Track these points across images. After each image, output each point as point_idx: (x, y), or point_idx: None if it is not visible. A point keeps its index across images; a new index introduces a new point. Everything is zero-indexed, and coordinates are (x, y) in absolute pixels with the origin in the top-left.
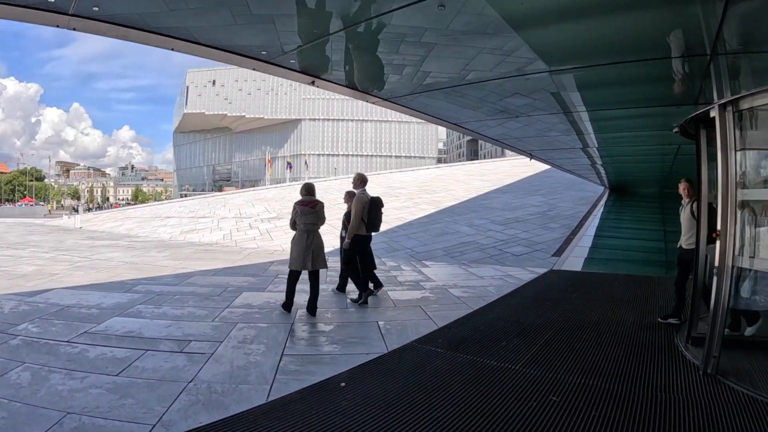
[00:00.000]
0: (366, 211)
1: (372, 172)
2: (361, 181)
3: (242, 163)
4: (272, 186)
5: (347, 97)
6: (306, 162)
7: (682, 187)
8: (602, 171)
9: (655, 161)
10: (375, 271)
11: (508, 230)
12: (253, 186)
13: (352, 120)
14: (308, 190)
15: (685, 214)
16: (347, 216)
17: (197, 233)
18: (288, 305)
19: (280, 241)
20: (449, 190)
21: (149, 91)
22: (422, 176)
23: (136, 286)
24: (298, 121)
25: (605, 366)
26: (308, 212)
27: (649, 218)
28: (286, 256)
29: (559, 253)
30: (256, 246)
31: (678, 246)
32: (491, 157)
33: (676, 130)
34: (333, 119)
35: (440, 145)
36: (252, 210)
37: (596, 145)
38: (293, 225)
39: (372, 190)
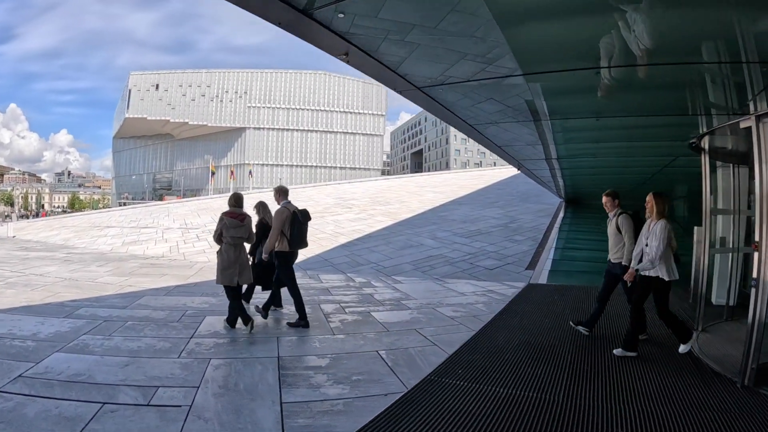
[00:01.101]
0: (288, 226)
1: (320, 182)
2: (281, 193)
3: (184, 171)
4: (217, 195)
5: (293, 107)
6: (250, 172)
7: (605, 201)
8: (562, 182)
9: (636, 173)
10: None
11: (474, 243)
12: (195, 195)
13: (297, 130)
14: (237, 200)
15: (611, 229)
16: (260, 227)
17: (140, 245)
18: (246, 319)
19: None
20: (403, 202)
21: (89, 94)
22: (373, 187)
23: (79, 309)
24: (242, 129)
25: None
26: (237, 225)
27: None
28: None
29: (532, 266)
30: (206, 260)
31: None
32: (436, 170)
33: (693, 141)
34: (278, 129)
35: (384, 157)
36: (198, 220)
37: (591, 155)
38: (219, 238)
39: (322, 201)
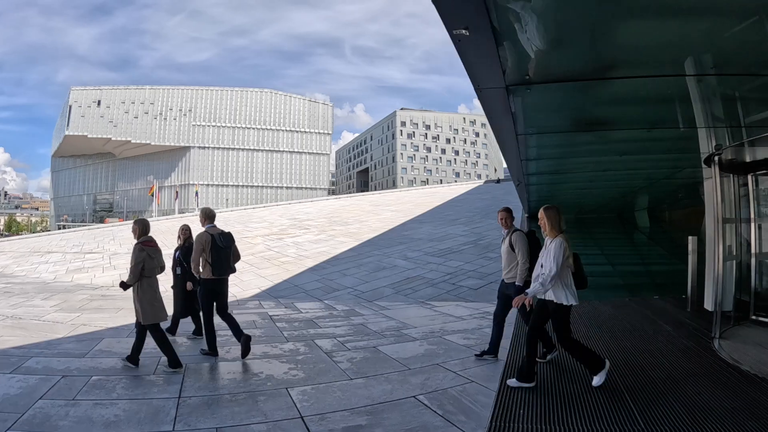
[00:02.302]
0: (209, 251)
1: (270, 203)
2: (207, 216)
3: (126, 192)
4: (163, 217)
5: (239, 125)
6: (196, 192)
7: (500, 217)
8: (528, 195)
9: (625, 188)
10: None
11: (449, 262)
12: (137, 217)
13: (243, 149)
14: (145, 227)
15: (504, 247)
16: (182, 251)
17: (87, 272)
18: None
19: None
20: (362, 222)
21: (28, 111)
22: (326, 207)
23: (28, 361)
24: (186, 148)
25: None
26: (156, 253)
27: (585, 243)
28: None
29: None
30: (163, 288)
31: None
32: (383, 188)
33: (717, 153)
34: (224, 148)
35: (330, 176)
36: None
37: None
38: (141, 272)
39: (277, 222)
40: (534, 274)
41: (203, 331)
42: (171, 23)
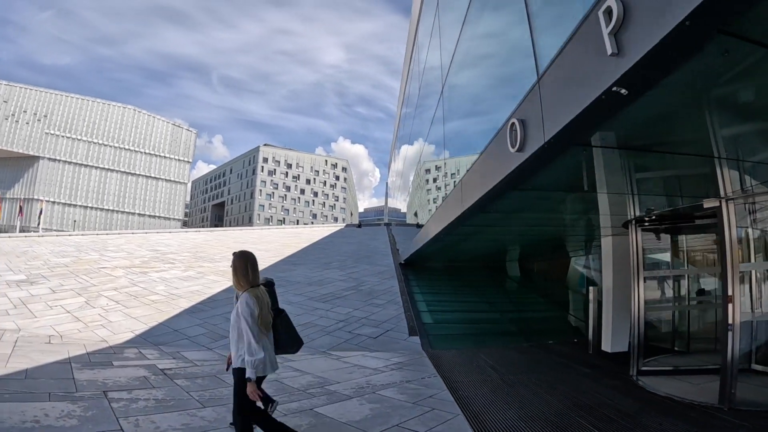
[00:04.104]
0: None
1: (126, 230)
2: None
3: None
4: (5, 235)
5: (95, 141)
6: (41, 210)
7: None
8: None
9: (511, 242)
10: None
11: (337, 308)
12: None
13: (97, 167)
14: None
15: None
16: None
17: None
18: None
19: (50, 319)
20: (230, 259)
21: None
22: (188, 240)
23: None
24: (35, 158)
25: None
26: None
27: (465, 290)
28: (75, 344)
29: (414, 332)
30: (15, 326)
31: None
32: (238, 224)
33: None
34: (76, 163)
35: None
36: None
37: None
38: None
39: (137, 253)
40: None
41: None
42: (39, 18)
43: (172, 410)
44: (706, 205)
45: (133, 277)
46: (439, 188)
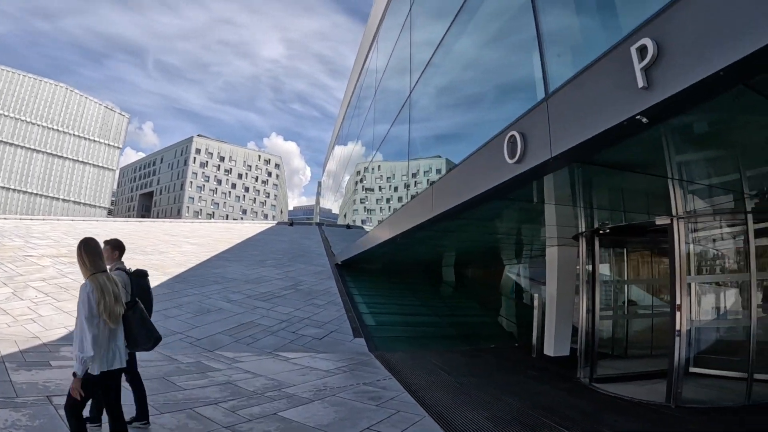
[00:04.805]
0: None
1: (51, 217)
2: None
3: None
4: None
5: (22, 118)
6: None
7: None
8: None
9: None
10: None
11: (278, 308)
12: None
13: (22, 147)
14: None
15: None
16: None
17: None
18: None
19: None
20: (162, 252)
21: None
22: (117, 231)
23: None
24: None
25: None
26: None
27: (404, 293)
28: (6, 341)
29: (358, 333)
30: None
31: None
32: (167, 215)
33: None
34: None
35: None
36: None
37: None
38: None
39: (65, 242)
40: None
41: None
42: None
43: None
44: (658, 222)
45: (62, 267)
46: (372, 190)
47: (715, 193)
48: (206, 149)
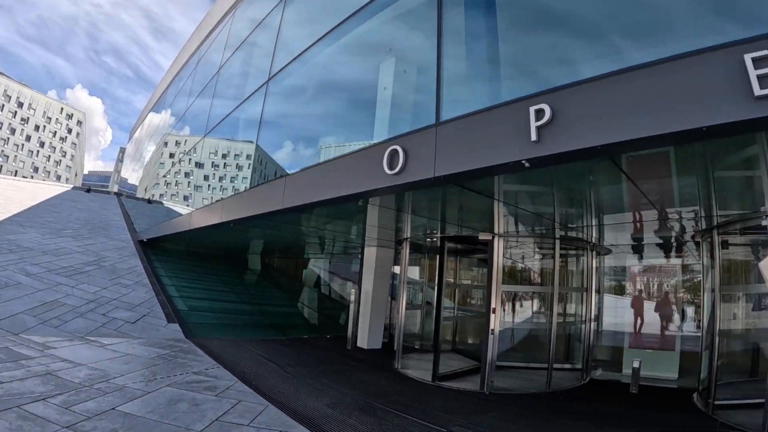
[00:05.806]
0: None
1: None
2: None
3: None
4: None
5: None
6: None
7: None
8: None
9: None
10: None
11: (83, 286)
12: None
13: None
14: None
15: None
16: None
17: None
18: None
19: None
20: None
21: None
22: None
23: None
24: None
25: None
26: None
27: (212, 278)
28: None
29: (171, 318)
30: None
31: None
32: None
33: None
34: None
35: None
36: None
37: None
38: None
39: None
40: None
41: None
42: None
43: None
44: (481, 237)
45: None
46: (174, 164)
47: (532, 220)
48: (5, 91)
